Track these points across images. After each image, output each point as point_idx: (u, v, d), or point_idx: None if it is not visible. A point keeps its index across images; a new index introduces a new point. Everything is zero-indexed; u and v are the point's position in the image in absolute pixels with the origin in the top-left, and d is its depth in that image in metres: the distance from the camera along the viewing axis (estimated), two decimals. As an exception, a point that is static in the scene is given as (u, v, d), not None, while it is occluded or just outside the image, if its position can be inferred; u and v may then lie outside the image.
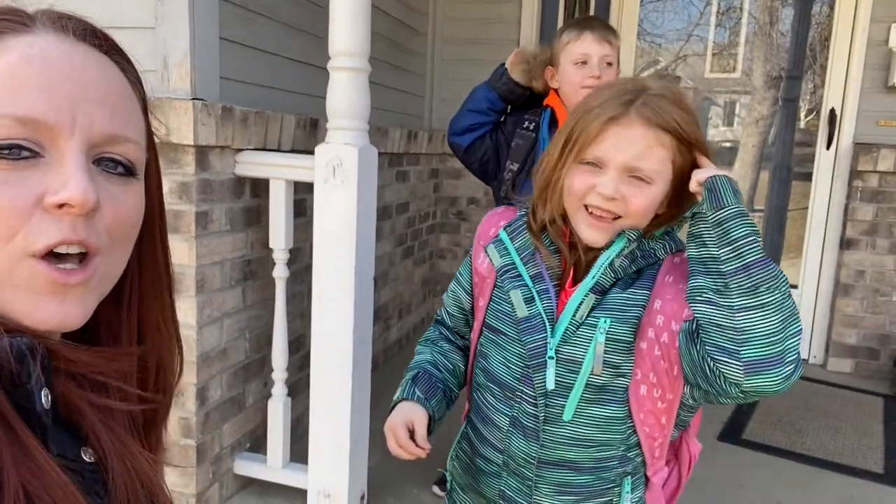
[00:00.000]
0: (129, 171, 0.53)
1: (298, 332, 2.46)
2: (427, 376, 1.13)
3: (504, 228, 1.09)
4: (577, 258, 1.03)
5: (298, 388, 2.42)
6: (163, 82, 1.87)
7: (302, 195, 2.28)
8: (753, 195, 4.04)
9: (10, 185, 0.47)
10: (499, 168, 2.10)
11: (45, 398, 0.47)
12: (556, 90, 1.99)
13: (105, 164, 0.52)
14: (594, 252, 1.02)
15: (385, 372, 3.25)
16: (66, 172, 0.48)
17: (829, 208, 3.70)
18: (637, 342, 0.98)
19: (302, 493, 2.10)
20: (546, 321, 1.01)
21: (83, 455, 0.51)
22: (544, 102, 2.01)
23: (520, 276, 1.03)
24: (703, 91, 4.09)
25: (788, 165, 3.91)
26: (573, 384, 1.00)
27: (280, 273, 2.07)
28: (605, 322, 0.97)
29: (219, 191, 1.96)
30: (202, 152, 1.86)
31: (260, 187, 2.13)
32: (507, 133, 2.07)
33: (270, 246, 2.07)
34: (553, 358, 1.00)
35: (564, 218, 1.04)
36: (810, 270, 3.78)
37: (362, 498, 2.15)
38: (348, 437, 2.00)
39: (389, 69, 3.31)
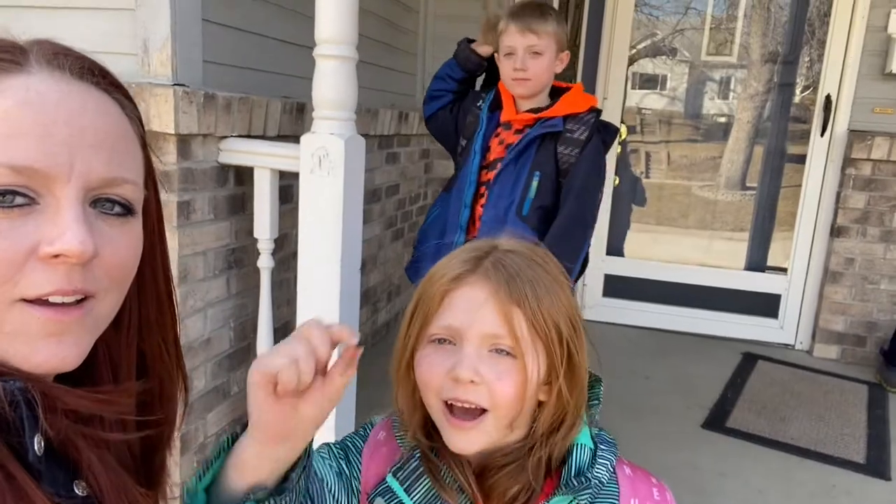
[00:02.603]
0: (126, 209, 0.52)
1: (285, 319, 2.44)
2: None
3: (392, 473, 0.77)
4: (490, 481, 0.75)
5: (284, 374, 2.41)
6: (143, 67, 1.82)
7: (288, 181, 2.24)
8: (747, 171, 4.02)
9: (4, 236, 0.45)
10: (456, 142, 2.11)
11: (38, 444, 0.47)
12: None
13: (102, 204, 0.50)
14: (507, 481, 0.73)
15: (373, 356, 3.21)
16: (62, 222, 0.47)
17: (821, 195, 3.68)
18: None
19: (287, 482, 2.10)
20: None
21: (76, 489, 0.51)
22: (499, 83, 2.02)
23: None
24: (698, 65, 4.06)
25: (782, 150, 3.88)
26: None
27: (265, 263, 2.04)
28: None
29: (201, 180, 1.92)
30: (184, 141, 1.81)
31: (245, 174, 2.09)
32: (465, 108, 2.08)
33: (255, 235, 2.04)
34: None
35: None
36: (800, 257, 3.78)
37: (347, 486, 2.15)
38: (333, 423, 1.99)
39: (381, 47, 3.24)
